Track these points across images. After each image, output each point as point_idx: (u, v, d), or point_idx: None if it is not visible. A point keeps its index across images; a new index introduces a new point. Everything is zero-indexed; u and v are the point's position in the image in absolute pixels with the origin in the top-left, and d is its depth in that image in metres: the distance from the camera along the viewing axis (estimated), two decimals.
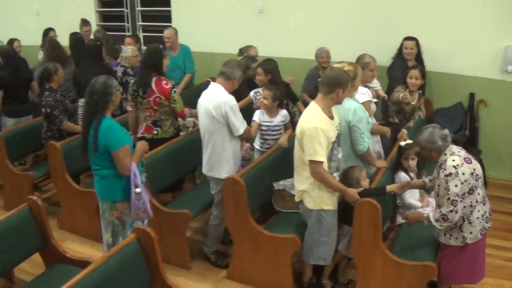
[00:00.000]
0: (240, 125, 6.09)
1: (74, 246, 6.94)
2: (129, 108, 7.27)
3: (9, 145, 8.00)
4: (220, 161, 6.20)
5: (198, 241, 7.09)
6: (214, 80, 6.77)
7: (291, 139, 6.64)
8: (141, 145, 5.74)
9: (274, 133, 6.92)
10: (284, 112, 6.90)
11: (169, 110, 6.99)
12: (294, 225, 6.09)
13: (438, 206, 5.15)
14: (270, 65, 7.26)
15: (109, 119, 5.39)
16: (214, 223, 6.50)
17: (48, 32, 10.37)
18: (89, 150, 5.46)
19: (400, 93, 7.25)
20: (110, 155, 5.35)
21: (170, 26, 10.08)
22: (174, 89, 6.92)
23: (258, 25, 9.78)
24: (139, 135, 7.10)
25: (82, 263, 5.39)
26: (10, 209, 7.54)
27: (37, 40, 10.93)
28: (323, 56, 8.53)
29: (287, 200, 6.35)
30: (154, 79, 6.89)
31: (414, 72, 7.29)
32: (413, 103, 7.37)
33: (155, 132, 7.07)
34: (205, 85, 9.08)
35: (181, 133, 7.35)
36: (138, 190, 5.38)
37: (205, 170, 6.36)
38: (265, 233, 5.94)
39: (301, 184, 5.56)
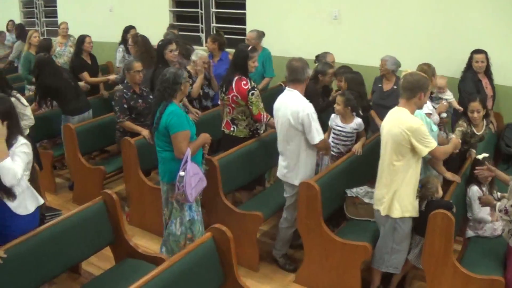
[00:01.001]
0: (315, 135, 5.95)
1: (142, 242, 6.93)
2: (219, 102, 7.59)
3: (80, 139, 8.09)
4: (295, 168, 6.13)
5: (266, 243, 7.04)
6: (285, 84, 6.91)
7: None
8: (204, 136, 6.06)
9: (345, 139, 6.85)
10: (359, 120, 6.82)
11: (246, 110, 6.98)
12: (365, 232, 6.03)
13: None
14: (355, 76, 7.25)
15: (174, 105, 5.78)
16: (284, 226, 6.43)
17: (129, 30, 10.39)
18: (155, 133, 5.93)
19: (461, 129, 6.93)
20: (170, 138, 5.75)
21: (244, 28, 10.08)
22: (252, 92, 6.85)
23: (333, 32, 9.66)
24: (221, 128, 7.30)
25: (154, 259, 5.42)
26: (80, 202, 7.75)
27: (109, 37, 11.04)
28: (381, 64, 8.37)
29: (359, 207, 6.32)
30: (236, 78, 6.91)
31: (475, 105, 6.86)
32: (479, 133, 7.07)
33: (231, 129, 7.13)
34: (277, 89, 9.15)
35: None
36: (182, 173, 5.66)
37: (280, 174, 6.31)
38: (337, 240, 5.85)
39: (385, 191, 5.47)
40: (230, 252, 4.95)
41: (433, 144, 5.27)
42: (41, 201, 5.08)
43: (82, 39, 9.90)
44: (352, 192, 6.36)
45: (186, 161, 5.69)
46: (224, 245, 4.94)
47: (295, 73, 6.03)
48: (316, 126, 5.93)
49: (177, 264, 4.60)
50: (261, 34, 9.52)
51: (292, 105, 5.97)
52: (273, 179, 7.88)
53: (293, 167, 6.13)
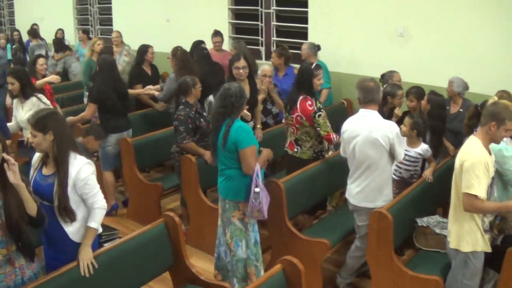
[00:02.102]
0: (401, 151, 5.87)
1: (200, 263, 6.73)
2: (283, 120, 7.48)
3: (138, 154, 7.99)
4: (381, 189, 5.88)
5: (327, 270, 6.72)
6: (347, 102, 7.20)
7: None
8: (266, 151, 6.00)
9: (408, 163, 6.63)
10: (425, 146, 6.61)
11: (310, 131, 6.78)
12: (436, 265, 5.72)
13: None
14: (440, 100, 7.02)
15: (239, 121, 5.73)
16: (357, 255, 6.16)
17: (199, 44, 10.08)
18: (218, 150, 5.79)
19: None
20: (237, 154, 5.65)
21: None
22: (319, 113, 6.66)
23: (398, 49, 9.33)
24: (284, 148, 7.15)
25: (216, 287, 5.25)
26: (135, 218, 7.63)
27: (166, 47, 10.87)
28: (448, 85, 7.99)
29: (430, 238, 6.04)
30: (300, 98, 6.74)
31: None
32: None
33: (295, 150, 6.95)
34: (340, 107, 8.85)
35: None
36: (257, 189, 5.61)
37: (356, 200, 5.98)
38: (408, 273, 5.53)
39: (456, 224, 5.14)
40: (301, 285, 4.65)
41: (481, 191, 4.84)
42: (100, 230, 4.87)
43: (144, 49, 9.77)
44: (423, 221, 6.08)
45: (258, 177, 5.64)
46: (294, 278, 4.65)
47: (372, 94, 5.81)
48: (402, 142, 6.03)
49: None
50: (314, 46, 9.38)
51: (380, 126, 5.77)
52: (336, 202, 7.65)
53: (378, 188, 5.88)
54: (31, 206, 4.25)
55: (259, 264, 5.98)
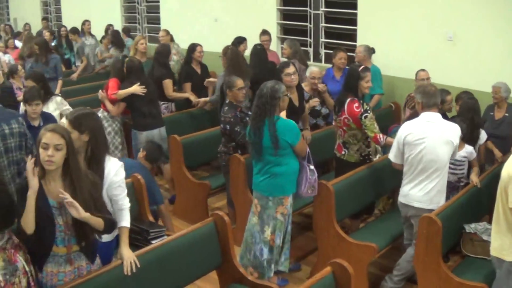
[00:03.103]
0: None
1: None
2: (333, 122, 7.45)
3: (186, 152, 8.05)
4: (443, 191, 5.94)
5: (373, 274, 6.64)
6: (395, 105, 7.84)
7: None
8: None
9: (454, 167, 6.60)
10: (469, 148, 6.62)
11: (358, 134, 6.80)
12: (482, 272, 5.68)
13: None
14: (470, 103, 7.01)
15: (281, 118, 5.91)
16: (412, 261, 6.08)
17: (242, 41, 10.25)
18: (264, 149, 5.91)
19: None
20: (288, 150, 5.87)
21: (354, 45, 9.85)
22: (366, 115, 6.65)
23: (446, 53, 9.23)
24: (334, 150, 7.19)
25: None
26: (181, 216, 7.70)
27: (214, 46, 10.91)
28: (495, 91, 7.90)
29: (477, 244, 5.98)
30: (348, 100, 6.75)
31: None
32: None
33: (342, 152, 6.98)
34: (388, 110, 8.80)
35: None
36: (312, 167, 5.94)
37: (422, 204, 5.91)
38: (455, 279, 5.47)
39: (500, 235, 5.03)
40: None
41: None
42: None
43: (193, 47, 9.84)
44: (471, 228, 6.03)
45: (309, 154, 5.98)
46: (343, 281, 4.63)
47: (435, 98, 5.89)
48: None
49: None
50: (369, 49, 9.35)
51: (451, 128, 5.89)
52: (382, 206, 7.66)
53: (442, 190, 5.92)
54: (98, 225, 4.33)
55: (284, 249, 6.23)
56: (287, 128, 5.81)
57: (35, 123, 6.81)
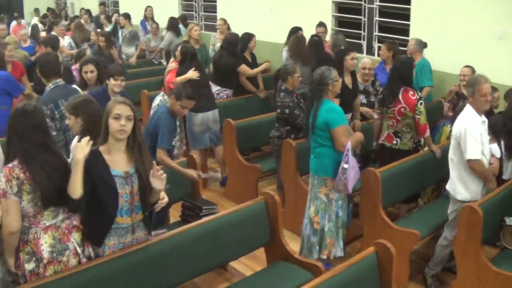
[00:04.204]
0: (468, 149, 5.82)
1: (292, 245, 6.55)
2: (375, 116, 7.57)
3: (239, 136, 8.28)
4: (457, 183, 6.06)
5: (414, 262, 6.75)
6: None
7: None
8: (360, 135, 6.50)
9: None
10: (493, 146, 6.49)
11: (411, 123, 6.93)
12: None
13: None
14: None
15: (330, 102, 6.20)
16: (443, 244, 6.25)
17: (296, 31, 10.35)
18: (311, 130, 6.27)
19: None
20: (327, 133, 6.10)
21: (407, 40, 9.92)
22: (421, 101, 6.84)
23: (495, 51, 9.23)
24: (379, 141, 7.29)
25: (309, 266, 5.40)
26: (232, 198, 8.05)
27: (268, 36, 11.09)
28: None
29: None
30: (401, 89, 6.89)
31: None
32: None
33: (394, 142, 7.09)
34: (437, 105, 8.90)
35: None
36: (345, 165, 5.98)
37: (449, 187, 6.17)
38: (493, 268, 5.59)
39: None
40: (391, 269, 4.83)
41: None
42: None
43: (248, 37, 10.04)
44: (511, 220, 6.09)
45: (347, 154, 5.97)
46: (386, 262, 4.83)
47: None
48: (471, 143, 5.77)
49: (337, 277, 4.55)
50: (421, 43, 9.40)
51: (458, 120, 6.00)
52: (427, 198, 7.78)
53: (456, 181, 6.02)
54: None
55: (338, 236, 6.33)
56: (329, 110, 6.06)
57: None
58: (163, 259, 4.79)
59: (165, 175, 4.42)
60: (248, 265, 6.50)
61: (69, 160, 4.59)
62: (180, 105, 6.57)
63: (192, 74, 8.37)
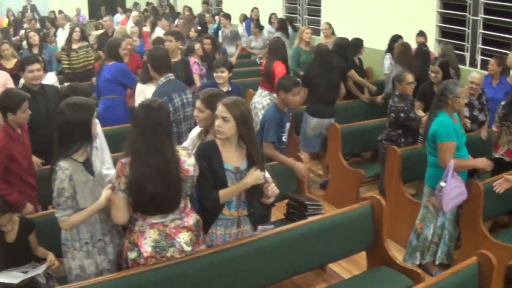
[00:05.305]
0: None
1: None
2: (494, 129, 7.53)
3: (344, 140, 8.36)
4: None
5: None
6: None
7: None
8: (482, 161, 6.20)
9: None
10: None
11: None
12: None
13: None
14: None
15: (444, 115, 6.10)
16: None
17: (396, 39, 10.50)
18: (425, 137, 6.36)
19: None
20: (435, 145, 6.08)
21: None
22: None
23: None
24: (497, 155, 7.23)
25: (410, 273, 5.46)
26: (332, 201, 8.16)
27: (372, 43, 11.16)
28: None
29: None
30: None
31: None
32: None
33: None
34: None
35: None
36: (442, 184, 5.87)
37: None
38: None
39: None
40: (491, 281, 4.86)
41: None
42: None
43: (359, 43, 10.26)
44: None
45: (447, 174, 5.87)
46: (487, 273, 4.86)
47: None
48: None
49: (437, 285, 4.59)
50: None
51: None
52: None
53: None
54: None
55: (442, 245, 6.33)
56: (439, 123, 6.03)
57: (223, 88, 7.46)
58: (267, 254, 4.95)
59: (277, 192, 4.70)
60: (346, 268, 6.58)
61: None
62: (292, 95, 6.69)
63: None
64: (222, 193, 4.56)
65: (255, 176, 4.56)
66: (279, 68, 9.03)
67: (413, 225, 6.49)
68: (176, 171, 4.34)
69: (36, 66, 6.90)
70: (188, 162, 4.44)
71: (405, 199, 7.17)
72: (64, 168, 4.34)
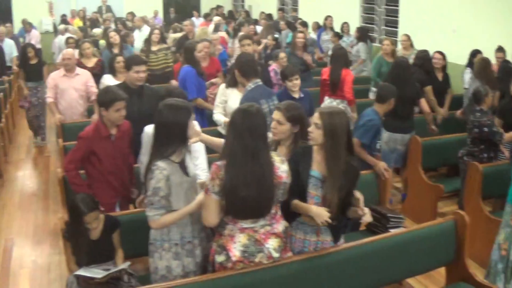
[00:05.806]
0: None
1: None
2: None
3: (425, 154, 8.33)
4: None
5: None
6: None
7: None
8: None
9: None
10: None
11: None
12: None
13: None
14: None
15: None
16: None
17: (476, 54, 10.41)
18: None
19: None
20: None
21: None
22: None
23: None
24: None
25: None
26: (409, 215, 8.10)
27: (450, 57, 11.07)
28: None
29: None
30: None
31: None
32: None
33: None
34: None
35: None
36: None
37: None
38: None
39: None
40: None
41: None
42: None
43: (428, 56, 10.09)
44: None
45: None
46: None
47: None
48: None
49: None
50: None
51: None
52: None
53: None
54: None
55: None
56: None
57: (295, 95, 7.66)
58: (345, 266, 4.96)
59: (368, 219, 4.68)
60: (423, 282, 6.55)
61: None
62: (389, 103, 7.11)
63: None
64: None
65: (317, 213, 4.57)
66: (349, 76, 9.18)
67: (490, 242, 6.33)
68: (270, 177, 4.35)
69: (143, 67, 7.15)
70: (282, 169, 4.45)
71: (484, 216, 7.09)
72: (162, 168, 4.46)
